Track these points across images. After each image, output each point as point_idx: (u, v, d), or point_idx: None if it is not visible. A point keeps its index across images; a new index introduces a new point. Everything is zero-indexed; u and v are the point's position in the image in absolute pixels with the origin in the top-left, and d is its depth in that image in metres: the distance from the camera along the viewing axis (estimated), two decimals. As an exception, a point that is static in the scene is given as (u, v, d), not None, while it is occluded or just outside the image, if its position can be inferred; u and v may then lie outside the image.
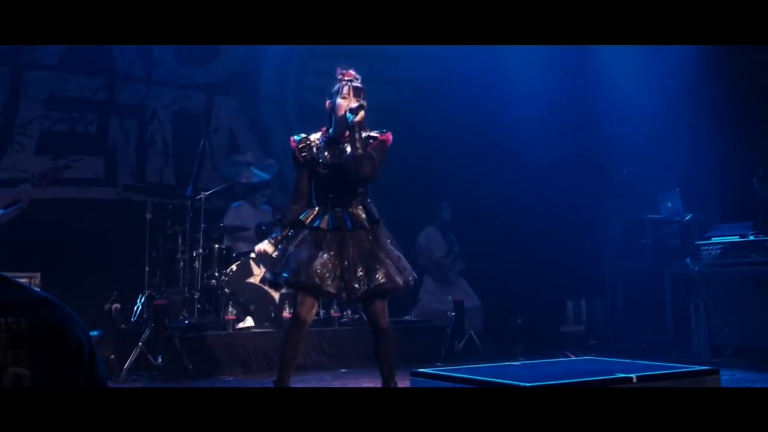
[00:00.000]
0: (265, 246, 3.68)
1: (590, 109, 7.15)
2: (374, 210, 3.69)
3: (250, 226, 6.54)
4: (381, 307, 3.60)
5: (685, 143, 6.56)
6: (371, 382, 4.61)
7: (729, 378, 4.48)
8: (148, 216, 5.83)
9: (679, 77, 6.72)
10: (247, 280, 5.98)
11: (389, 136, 3.65)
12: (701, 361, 5.32)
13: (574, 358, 5.23)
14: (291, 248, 3.62)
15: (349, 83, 3.59)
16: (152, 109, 7.36)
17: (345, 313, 6.25)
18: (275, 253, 3.67)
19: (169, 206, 6.22)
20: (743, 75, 6.56)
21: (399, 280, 3.57)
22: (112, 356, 5.27)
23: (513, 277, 7.26)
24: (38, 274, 5.36)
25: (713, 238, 5.91)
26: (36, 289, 0.95)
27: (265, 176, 6.47)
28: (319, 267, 3.48)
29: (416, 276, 3.80)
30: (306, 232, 3.61)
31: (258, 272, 5.93)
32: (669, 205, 6.54)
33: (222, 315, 5.74)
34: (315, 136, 3.69)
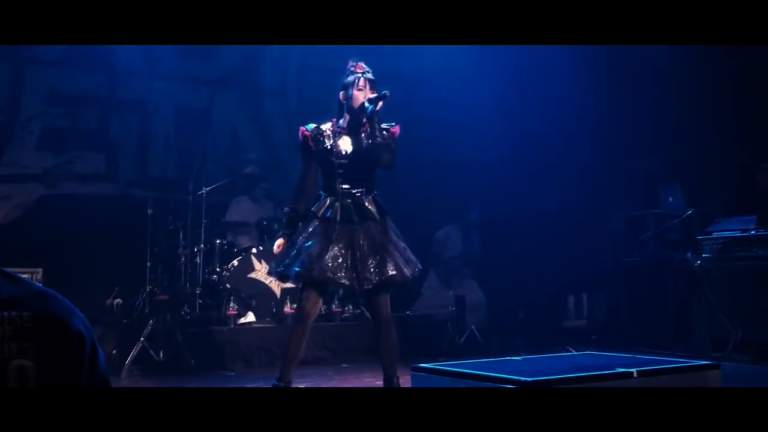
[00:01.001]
0: (281, 242, 3.67)
1: (591, 105, 7.14)
2: (382, 202, 3.71)
3: (251, 220, 6.55)
4: (385, 298, 3.64)
5: (686, 137, 6.55)
6: (373, 376, 4.62)
7: (731, 373, 4.48)
8: (150, 211, 5.84)
9: (680, 71, 6.71)
10: (249, 275, 5.99)
11: (398, 129, 3.67)
12: (703, 355, 5.32)
13: (575, 352, 5.24)
14: (300, 240, 3.62)
15: (363, 75, 3.62)
16: (154, 104, 7.36)
17: (346, 308, 6.26)
18: (280, 247, 3.67)
19: (171, 201, 6.23)
20: (745, 69, 6.54)
21: (407, 272, 3.60)
22: (114, 351, 5.28)
23: (514, 271, 7.26)
24: (40, 270, 5.38)
25: (715, 233, 5.90)
26: (37, 283, 0.96)
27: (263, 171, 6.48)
28: (330, 260, 3.49)
29: (421, 267, 3.81)
30: (316, 223, 3.62)
31: (259, 267, 5.95)
32: (670, 199, 6.54)
33: (223, 310, 5.75)
34: (326, 126, 3.70)
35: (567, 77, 7.12)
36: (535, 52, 6.88)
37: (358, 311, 6.16)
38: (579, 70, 7.13)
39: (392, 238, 3.66)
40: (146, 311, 5.58)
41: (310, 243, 3.56)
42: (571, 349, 5.78)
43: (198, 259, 5.88)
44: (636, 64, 7.03)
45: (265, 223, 6.28)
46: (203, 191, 6.00)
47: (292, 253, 3.62)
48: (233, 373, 5.33)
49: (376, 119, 3.54)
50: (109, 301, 6.03)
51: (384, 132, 3.59)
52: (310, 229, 3.62)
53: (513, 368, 3.14)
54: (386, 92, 3.54)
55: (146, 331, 5.12)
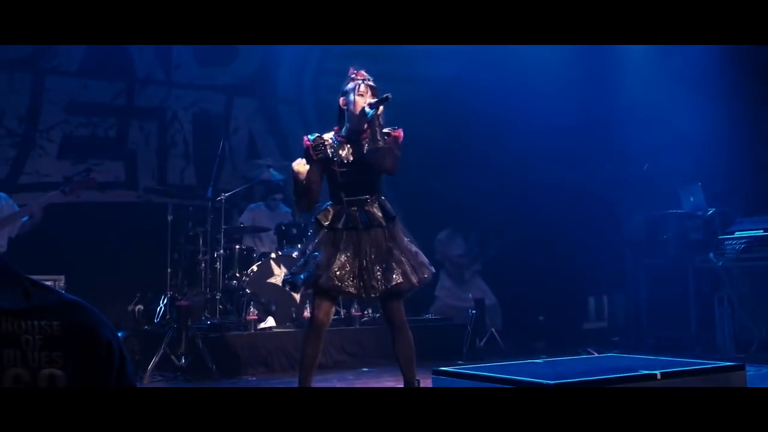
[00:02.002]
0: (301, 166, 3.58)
1: (611, 105, 7.10)
2: (390, 207, 3.69)
3: (267, 226, 6.59)
4: (397, 304, 3.62)
5: (706, 137, 6.48)
6: (393, 380, 4.62)
7: (755, 373, 4.43)
8: (170, 218, 5.89)
9: (699, 70, 6.65)
10: (268, 281, 6.02)
11: (401, 132, 3.65)
12: (726, 356, 5.27)
13: (597, 355, 5.21)
14: (309, 249, 3.64)
15: (364, 82, 3.61)
16: (172, 111, 7.42)
17: (366, 312, 6.26)
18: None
19: (190, 207, 6.28)
20: (765, 67, 6.48)
21: (414, 279, 3.56)
22: (136, 357, 5.33)
23: (534, 274, 7.23)
24: (62, 277, 5.45)
25: (736, 233, 5.85)
26: (66, 293, 0.98)
27: (281, 177, 6.52)
28: (337, 269, 3.49)
29: (434, 270, 3.80)
30: (323, 232, 3.62)
31: (279, 272, 5.97)
32: (691, 199, 6.48)
33: (243, 315, 5.78)
34: (328, 135, 3.70)
35: (585, 78, 7.09)
36: (551, 51, 6.86)
37: (378, 315, 6.15)
38: (597, 71, 7.10)
39: (401, 243, 3.64)
40: (167, 317, 5.62)
41: (317, 252, 3.57)
42: (592, 351, 5.75)
43: (218, 265, 5.92)
44: (655, 64, 6.98)
45: (284, 228, 6.31)
46: (222, 197, 6.04)
47: (301, 262, 3.64)
48: (254, 378, 5.36)
49: (378, 123, 3.52)
50: (130, 308, 6.09)
51: (386, 136, 3.58)
52: (318, 239, 3.63)
53: (534, 371, 3.13)
54: (387, 95, 3.52)
55: (168, 337, 5.15)
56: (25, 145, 6.72)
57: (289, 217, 6.65)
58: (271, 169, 6.48)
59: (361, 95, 3.58)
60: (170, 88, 7.39)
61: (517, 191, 7.33)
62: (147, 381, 4.98)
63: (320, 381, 4.22)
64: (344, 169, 3.61)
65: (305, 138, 3.71)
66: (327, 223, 3.60)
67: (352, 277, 3.50)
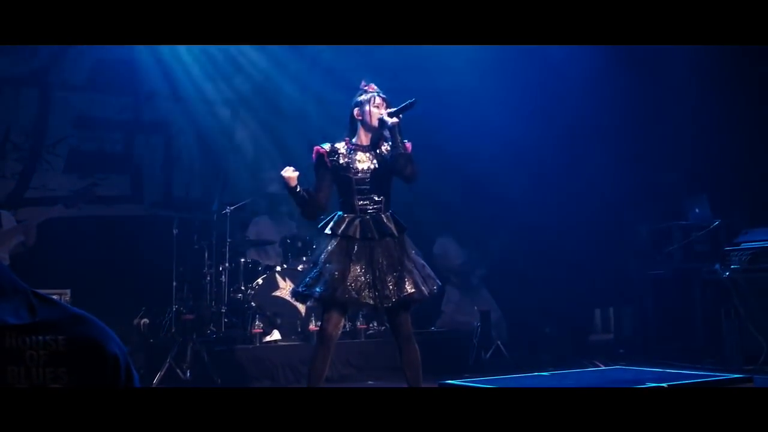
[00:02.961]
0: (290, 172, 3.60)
1: (614, 115, 7.09)
2: (399, 219, 3.71)
3: (273, 239, 6.59)
4: (405, 316, 3.62)
5: (711, 147, 6.47)
6: (399, 393, 4.59)
7: (763, 385, 4.39)
8: (175, 231, 5.90)
9: (704, 79, 6.65)
10: (274, 294, 6.01)
11: (410, 145, 3.68)
12: (734, 369, 5.23)
13: (604, 367, 5.18)
14: (321, 260, 3.62)
15: (378, 94, 3.69)
16: (177, 126, 7.45)
17: (371, 325, 6.24)
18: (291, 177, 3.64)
19: (196, 221, 6.29)
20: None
21: (425, 290, 3.58)
22: (141, 371, 5.32)
23: (540, 286, 7.20)
24: (68, 291, 5.46)
25: (743, 244, 5.82)
26: (73, 307, 0.96)
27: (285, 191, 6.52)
28: (352, 281, 3.49)
29: (440, 284, 3.80)
30: (336, 241, 3.61)
31: (284, 285, 5.97)
32: (697, 210, 6.46)
33: (249, 328, 5.77)
34: (340, 145, 3.73)
35: (589, 87, 7.08)
36: (553, 59, 6.85)
37: (383, 328, 6.14)
38: (602, 80, 7.09)
39: (410, 254, 3.65)
40: (173, 330, 5.62)
41: (330, 263, 3.56)
42: (599, 363, 5.72)
43: (223, 278, 5.92)
44: (659, 74, 6.97)
45: (288, 241, 6.31)
46: (227, 210, 6.05)
47: (313, 273, 3.60)
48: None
49: (399, 130, 3.56)
50: (136, 321, 6.09)
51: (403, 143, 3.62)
52: (330, 248, 3.61)
53: (541, 384, 3.11)
54: (412, 100, 3.56)
55: (173, 351, 5.15)
56: (32, 159, 6.75)
57: (294, 230, 6.65)
58: (275, 182, 6.48)
59: (377, 107, 3.66)
60: (175, 103, 7.43)
61: (522, 205, 7.31)
62: (152, 395, 4.97)
63: (326, 394, 4.19)
64: (358, 177, 3.64)
65: (317, 147, 3.73)
66: (340, 231, 3.60)
67: (368, 288, 3.50)
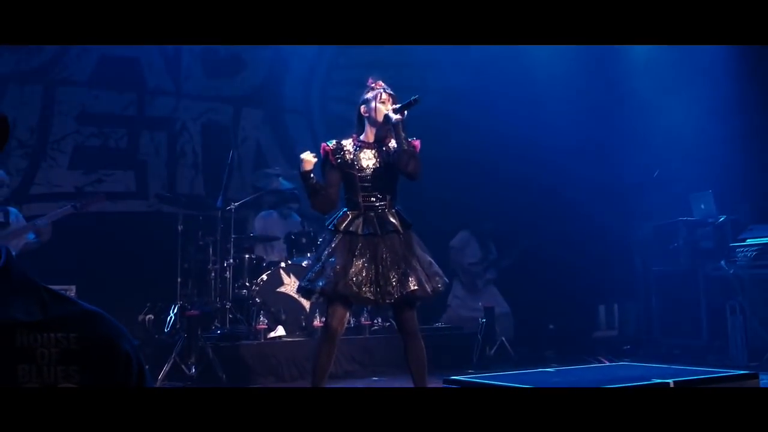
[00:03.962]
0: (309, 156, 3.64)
1: (620, 111, 7.08)
2: (405, 215, 3.71)
3: (278, 235, 6.58)
4: (410, 312, 3.62)
5: (717, 143, 6.46)
6: (403, 390, 4.59)
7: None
8: (180, 227, 5.90)
9: (711, 77, 6.63)
10: (278, 290, 6.01)
11: (418, 143, 3.68)
12: (739, 365, 5.23)
13: (609, 363, 5.18)
14: (324, 255, 3.63)
15: (385, 90, 3.68)
16: (181, 122, 7.45)
17: (375, 321, 6.24)
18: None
19: (200, 217, 6.29)
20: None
21: (429, 287, 3.57)
22: (146, 367, 5.33)
23: (544, 282, 7.19)
24: (73, 287, 5.46)
25: (748, 240, 5.81)
26: (84, 303, 0.94)
27: (291, 186, 6.52)
28: (354, 275, 3.49)
29: (447, 281, 3.80)
30: (339, 237, 3.62)
31: (288, 281, 5.97)
32: (702, 206, 6.45)
33: (253, 324, 5.77)
34: (347, 142, 3.73)
35: (595, 85, 7.07)
36: (559, 58, 6.84)
37: (388, 324, 6.14)
38: (608, 78, 7.08)
39: (416, 251, 3.64)
40: (177, 326, 5.62)
41: (333, 258, 3.56)
42: (604, 360, 5.72)
43: (227, 274, 5.92)
44: (665, 71, 6.96)
45: (293, 237, 6.31)
46: (232, 207, 6.05)
47: (316, 268, 3.62)
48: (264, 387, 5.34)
49: (403, 127, 3.56)
50: (140, 317, 6.09)
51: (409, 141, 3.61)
52: (334, 244, 3.62)
53: (546, 380, 3.11)
54: (416, 97, 3.56)
55: (178, 347, 5.15)
56: (37, 155, 6.75)
57: (299, 226, 6.65)
58: (280, 178, 6.49)
59: (383, 103, 3.65)
60: (179, 99, 7.43)
61: (527, 200, 7.30)
62: (157, 391, 4.98)
63: (330, 390, 4.19)
64: (364, 174, 3.63)
65: (324, 144, 3.74)
66: (343, 227, 3.60)
67: (369, 283, 3.50)
